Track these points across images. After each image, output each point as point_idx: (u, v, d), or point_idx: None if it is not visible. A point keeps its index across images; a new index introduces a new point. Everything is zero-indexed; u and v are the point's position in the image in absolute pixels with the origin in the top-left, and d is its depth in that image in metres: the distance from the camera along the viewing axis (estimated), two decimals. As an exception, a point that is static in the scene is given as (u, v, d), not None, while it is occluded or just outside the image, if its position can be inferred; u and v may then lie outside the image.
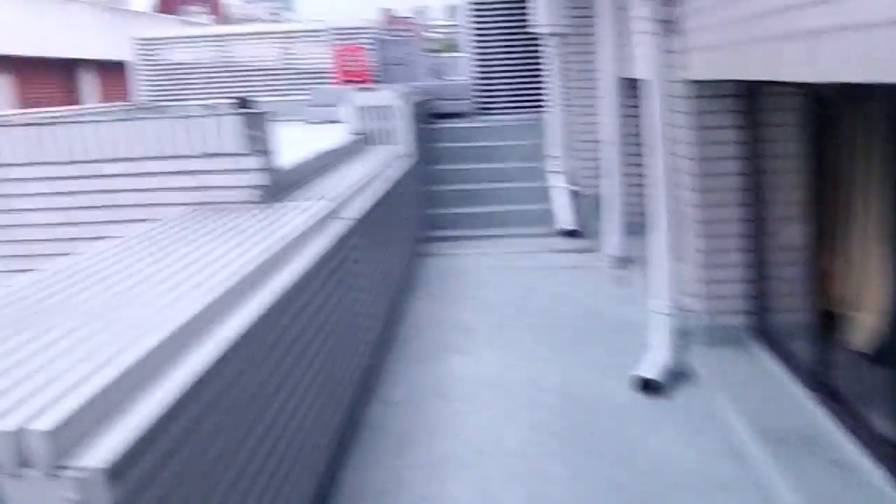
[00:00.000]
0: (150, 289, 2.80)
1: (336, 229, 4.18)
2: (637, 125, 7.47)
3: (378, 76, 13.53)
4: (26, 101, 18.95)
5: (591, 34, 8.02)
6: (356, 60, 13.47)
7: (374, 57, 13.87)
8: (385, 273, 5.73)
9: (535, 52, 10.20)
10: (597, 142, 7.84)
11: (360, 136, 7.82)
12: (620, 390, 4.68)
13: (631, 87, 7.14)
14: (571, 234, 8.52)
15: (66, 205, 4.83)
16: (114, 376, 1.93)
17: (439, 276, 7.51)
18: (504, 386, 4.92)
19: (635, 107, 7.40)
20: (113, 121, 4.76)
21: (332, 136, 7.45)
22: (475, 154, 9.80)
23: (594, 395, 4.71)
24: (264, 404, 2.75)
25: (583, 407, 4.57)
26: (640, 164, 7.49)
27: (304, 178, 5.39)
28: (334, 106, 10.26)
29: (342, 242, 4.15)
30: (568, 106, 8.72)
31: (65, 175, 4.79)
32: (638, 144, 7.47)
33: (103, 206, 4.76)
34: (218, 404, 2.31)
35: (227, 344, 2.40)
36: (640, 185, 7.53)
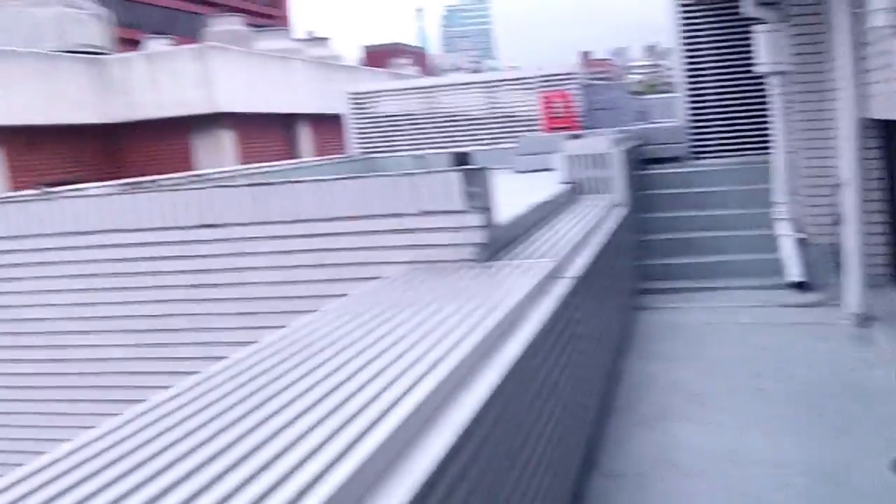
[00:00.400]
0: (378, 356, 2.69)
1: (559, 290, 3.96)
2: (879, 168, 6.81)
3: (586, 122, 13.34)
4: (249, 156, 20.24)
5: (820, 72, 7.45)
6: (564, 107, 13.33)
7: (581, 102, 13.69)
8: (604, 332, 5.44)
9: (755, 90, 9.63)
10: (829, 186, 7.21)
11: (571, 186, 7.61)
12: (879, 471, 4.12)
13: (870, 128, 6.52)
14: (800, 286, 7.85)
15: (285, 263, 4.90)
16: (351, 471, 1.80)
17: (657, 333, 7.10)
18: (739, 460, 4.47)
19: (877, 148, 6.75)
20: (332, 180, 4.80)
21: (543, 187, 7.28)
22: (691, 200, 9.31)
23: (849, 475, 4.16)
24: (498, 489, 2.55)
25: (837, 490, 4.04)
26: (883, 211, 6.82)
27: (519, 233, 5.22)
28: (542, 154, 10.15)
29: (566, 304, 3.92)
30: (795, 148, 8.12)
31: (284, 234, 4.87)
32: (881, 189, 6.80)
33: (321, 265, 4.80)
34: (454, 497, 2.13)
35: (462, 428, 2.23)
36: (883, 234, 6.84)
